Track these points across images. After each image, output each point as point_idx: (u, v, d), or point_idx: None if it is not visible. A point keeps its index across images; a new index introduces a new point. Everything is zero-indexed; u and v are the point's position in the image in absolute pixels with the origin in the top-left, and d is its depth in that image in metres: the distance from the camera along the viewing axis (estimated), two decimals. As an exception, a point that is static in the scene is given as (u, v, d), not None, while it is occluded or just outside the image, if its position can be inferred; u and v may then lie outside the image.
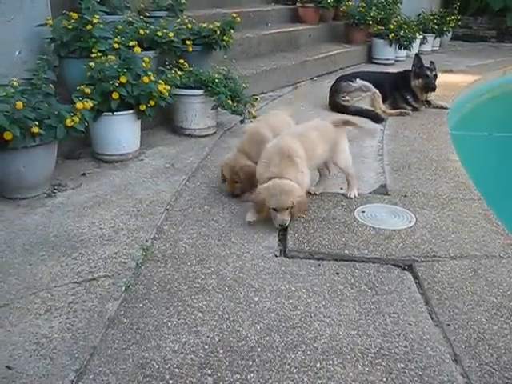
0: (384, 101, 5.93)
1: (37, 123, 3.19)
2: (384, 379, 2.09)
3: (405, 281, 2.75)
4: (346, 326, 2.38)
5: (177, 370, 2.09)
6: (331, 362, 2.17)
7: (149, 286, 2.61)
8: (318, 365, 2.15)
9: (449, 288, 2.66)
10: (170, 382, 2.02)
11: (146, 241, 2.98)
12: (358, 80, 5.91)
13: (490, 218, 3.39)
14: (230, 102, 4.45)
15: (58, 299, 2.48)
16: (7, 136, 3.07)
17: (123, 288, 2.56)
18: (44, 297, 2.49)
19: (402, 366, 2.17)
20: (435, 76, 5.95)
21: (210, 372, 2.08)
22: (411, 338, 2.32)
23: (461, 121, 6.43)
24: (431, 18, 10.14)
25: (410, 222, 3.30)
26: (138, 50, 4.04)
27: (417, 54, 6.10)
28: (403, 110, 5.86)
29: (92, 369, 2.09)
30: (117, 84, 3.74)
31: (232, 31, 5.32)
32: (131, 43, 4.11)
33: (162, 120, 4.89)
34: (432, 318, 2.47)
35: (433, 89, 5.96)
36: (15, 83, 3.31)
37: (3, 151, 3.19)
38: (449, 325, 2.41)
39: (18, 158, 3.27)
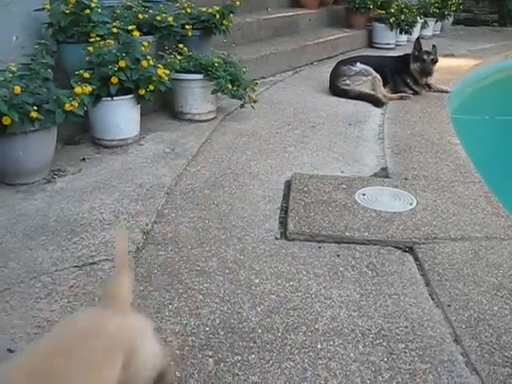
0: (385, 85, 5.90)
1: (35, 108, 3.17)
2: (385, 359, 2.10)
3: (405, 262, 2.74)
4: (346, 307, 2.39)
5: (177, 351, 2.09)
6: (332, 342, 2.17)
7: (149, 269, 2.61)
8: (319, 345, 2.15)
9: (449, 269, 2.66)
10: (171, 363, 2.02)
11: (147, 225, 2.98)
12: (358, 64, 5.88)
13: (490, 200, 3.38)
14: (229, 86, 4.43)
15: (59, 283, 2.47)
16: (6, 121, 3.06)
17: (124, 271, 2.56)
18: (45, 281, 2.49)
19: (403, 346, 2.17)
20: (433, 60, 5.89)
21: (210, 353, 2.09)
22: (412, 319, 2.32)
23: (462, 105, 6.39)
24: (432, 1, 10.05)
25: (410, 204, 3.29)
26: (136, 33, 4.01)
27: (418, 38, 6.06)
28: (404, 94, 5.83)
29: (93, 351, 2.09)
30: (116, 68, 3.72)
31: (232, 15, 5.28)
32: (130, 27, 4.08)
33: (162, 105, 4.87)
34: (433, 299, 2.47)
35: (429, 73, 5.93)
36: (13, 68, 3.29)
37: (2, 137, 3.18)
38: (449, 305, 2.41)
39: (17, 144, 3.25)
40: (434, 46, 6.02)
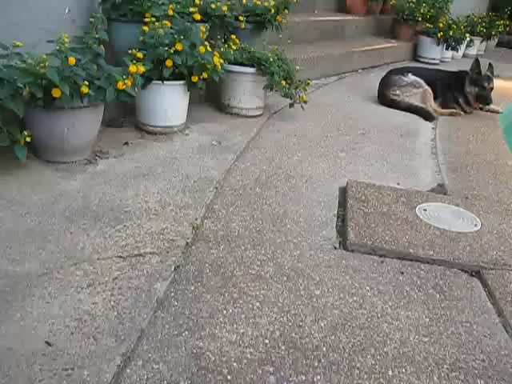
0: (434, 99, 5.66)
1: (86, 83, 2.96)
2: (464, 396, 1.87)
3: (474, 288, 2.51)
4: (416, 331, 2.16)
5: (235, 364, 1.87)
6: (404, 370, 1.95)
7: (200, 268, 2.39)
8: (390, 372, 1.92)
9: (523, 300, 2.43)
10: (228, 377, 1.80)
11: (196, 219, 2.76)
12: (410, 75, 5.64)
13: (558, 229, 3.14)
14: (283, 82, 4.21)
15: (102, 273, 2.26)
16: (56, 93, 2.86)
17: (172, 267, 2.34)
18: (86, 269, 2.28)
19: (482, 382, 1.94)
20: (491, 88, 5.64)
21: (271, 370, 1.86)
22: (488, 352, 2.10)
23: (510, 127, 6.14)
24: (480, 20, 9.81)
25: (475, 225, 3.06)
26: (197, 16, 3.82)
27: (476, 59, 5.75)
28: (454, 111, 5.59)
29: (140, 354, 1.87)
30: (172, 51, 3.51)
31: (287, 11, 5.07)
32: (192, 9, 3.87)
33: (207, 97, 4.68)
34: (507, 332, 2.24)
35: (487, 103, 5.67)
36: (66, 39, 3.09)
37: (49, 110, 2.98)
38: (527, 341, 2.18)
39: (64, 119, 3.06)
40: (490, 64, 5.76)
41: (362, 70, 7.32)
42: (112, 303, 2.09)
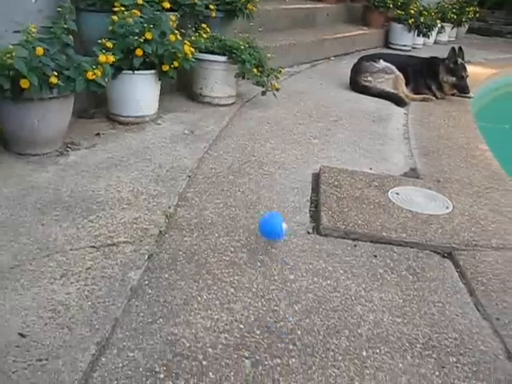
0: (406, 85, 5.70)
1: (55, 73, 2.93)
2: (436, 373, 1.90)
3: (446, 269, 2.56)
4: (389, 312, 2.19)
5: (210, 349, 1.87)
6: (378, 350, 1.97)
7: (174, 255, 2.38)
8: (364, 353, 1.95)
9: (494, 280, 2.48)
10: (204, 362, 1.81)
11: (169, 207, 2.75)
12: (381, 61, 5.67)
13: (529, 210, 3.20)
14: (255, 70, 4.21)
15: (75, 264, 2.24)
16: (24, 84, 2.82)
17: (146, 256, 2.34)
18: (59, 260, 2.26)
19: (454, 360, 1.98)
20: (467, 76, 5.70)
21: (247, 354, 1.87)
22: (460, 330, 2.13)
23: (481, 112, 6.21)
24: (450, 7, 9.88)
25: (447, 208, 3.10)
26: (166, 5, 3.78)
27: (453, 48, 5.78)
28: (426, 96, 5.63)
29: (115, 343, 1.87)
30: (141, 40, 3.48)
31: (257, -1, 5.07)
32: (160, -3, 3.85)
33: (179, 86, 4.65)
34: (479, 311, 2.28)
35: (465, 92, 5.73)
36: (33, 29, 3.04)
37: (18, 102, 2.94)
38: (498, 319, 2.23)
39: (33, 111, 3.01)
40: (460, 48, 5.80)
41: (334, 58, 7.34)
42: (86, 293, 2.08)
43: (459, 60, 5.69)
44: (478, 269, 2.55)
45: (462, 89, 5.73)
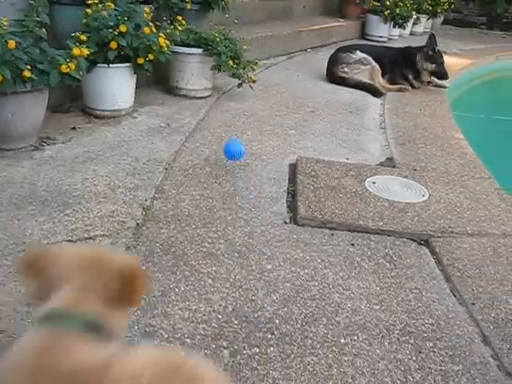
0: (382, 75, 5.73)
1: (29, 67, 2.90)
2: (413, 358, 1.93)
3: (423, 256, 2.58)
4: (367, 299, 2.20)
5: (188, 340, 1.88)
6: (356, 337, 1.99)
7: (151, 247, 2.38)
8: (343, 340, 1.96)
9: (469, 266, 2.51)
10: (182, 353, 1.80)
11: (146, 200, 2.74)
12: (358, 52, 5.69)
13: (503, 196, 3.26)
14: (231, 62, 4.20)
15: (51, 257, 2.22)
16: (-4, 78, 2.79)
17: (123, 249, 2.33)
18: (35, 254, 2.24)
19: (431, 345, 2.00)
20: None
21: (225, 344, 1.88)
22: (437, 316, 2.16)
23: (457, 102, 6.27)
24: (425, -2, 9.94)
25: (423, 196, 3.13)
26: (140, -4, 3.77)
27: (432, 34, 5.83)
28: (402, 86, 5.66)
29: (93, 335, 1.86)
30: (116, 33, 3.46)
31: (232, -10, 5.05)
32: (133, -12, 3.82)
33: (155, 79, 4.62)
34: (455, 296, 2.32)
35: (445, 78, 5.79)
36: (5, 22, 3.01)
37: (-10, 96, 2.91)
38: (474, 304, 2.26)
39: (7, 105, 2.99)
40: (433, 35, 5.85)
41: (311, 50, 7.34)
42: (62, 287, 2.06)
43: (437, 47, 5.74)
44: (453, 255, 2.59)
45: (441, 75, 5.78)
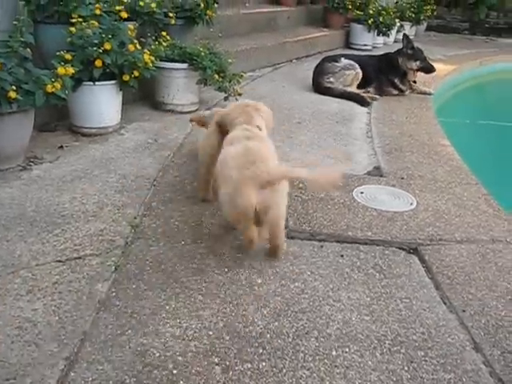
0: (369, 84, 5.78)
1: (14, 88, 2.90)
2: (405, 368, 1.93)
3: (412, 264, 2.59)
4: (358, 311, 2.21)
5: (180, 357, 1.88)
6: (347, 349, 1.99)
7: (141, 265, 2.38)
8: (334, 352, 1.97)
9: (459, 273, 2.53)
10: (174, 371, 1.81)
11: (135, 217, 2.75)
12: (342, 59, 5.74)
13: (490, 202, 3.29)
14: (216, 76, 4.22)
15: (41, 279, 2.23)
16: (-19, 100, 2.79)
17: (113, 267, 2.33)
18: (25, 276, 2.24)
19: (422, 354, 2.01)
20: None
21: (217, 360, 1.88)
22: (427, 325, 2.17)
23: (442, 108, 6.31)
24: (408, 6, 10.02)
25: (411, 204, 3.15)
26: (124, 14, 3.78)
27: (405, 35, 5.95)
28: (375, 96, 5.69)
29: (84, 356, 1.86)
30: (100, 51, 3.47)
31: (216, 5, 5.08)
32: (117, 7, 3.83)
33: (142, 95, 4.63)
34: (445, 304, 2.33)
35: (432, 71, 5.93)
36: (-12, 44, 3.02)
37: (-24, 117, 2.91)
38: (464, 311, 2.27)
39: (-8, 126, 2.99)
40: (405, 35, 5.95)
41: (297, 60, 7.40)
42: (53, 308, 2.07)
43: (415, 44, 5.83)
44: (443, 263, 2.60)
45: (428, 70, 5.88)
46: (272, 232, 2.38)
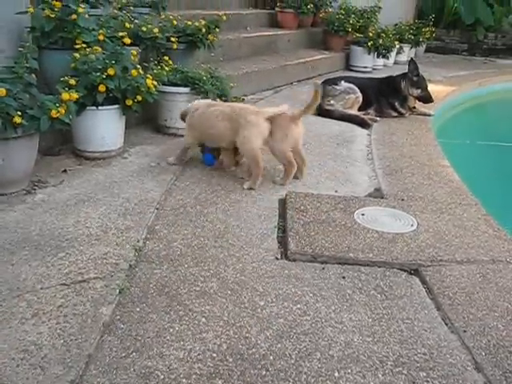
0: (369, 106, 5.83)
1: (19, 113, 2.95)
2: (408, 389, 1.94)
3: (413, 285, 2.61)
4: (359, 332, 2.23)
5: (184, 380, 1.90)
6: (350, 370, 2.01)
7: (145, 288, 2.40)
8: (337, 374, 1.98)
9: (460, 293, 2.54)
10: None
11: (138, 241, 2.78)
12: (342, 82, 5.80)
13: (490, 222, 3.30)
14: (218, 100, 4.27)
15: (46, 302, 2.25)
16: (-13, 125, 2.84)
17: (117, 291, 2.36)
18: (30, 300, 2.27)
19: (424, 374, 2.02)
20: None
21: (220, 382, 1.90)
22: (429, 345, 2.18)
23: (442, 129, 6.38)
24: (407, 28, 10.13)
25: (412, 225, 3.17)
26: (127, 40, 3.84)
27: (412, 59, 5.98)
28: (375, 118, 5.73)
29: (89, 379, 1.88)
30: (104, 76, 3.53)
31: (217, 30, 5.16)
32: (121, 33, 3.90)
33: (144, 119, 4.69)
34: (446, 324, 2.34)
35: (430, 101, 5.94)
36: (-6, 70, 3.07)
37: (-19, 143, 2.95)
38: (465, 331, 2.28)
39: (-2, 151, 3.04)
40: (412, 60, 5.99)
41: (297, 83, 7.46)
42: (58, 331, 2.09)
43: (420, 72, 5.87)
44: (444, 283, 2.62)
45: (426, 100, 5.92)
46: None
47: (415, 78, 5.82)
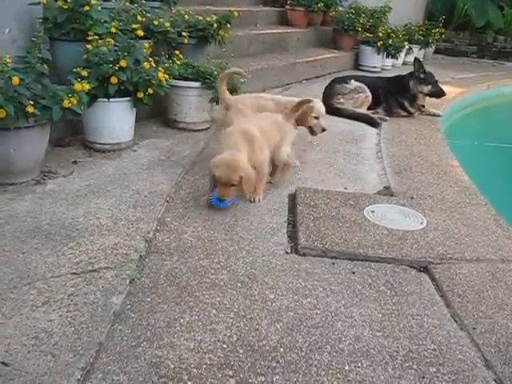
0: (378, 105, 5.83)
1: (31, 102, 2.96)
2: (417, 383, 1.94)
3: (423, 282, 2.61)
4: (369, 326, 2.23)
5: (195, 370, 1.90)
6: (360, 364, 2.01)
7: (155, 279, 2.41)
8: (347, 367, 1.98)
9: (469, 291, 2.54)
10: (189, 383, 1.83)
11: (148, 232, 2.78)
12: (353, 81, 5.80)
13: (499, 222, 3.30)
14: (229, 95, 4.26)
15: (57, 291, 2.25)
16: (0, 114, 2.84)
17: (127, 281, 2.36)
18: (40, 288, 2.27)
19: (434, 370, 2.02)
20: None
21: (231, 373, 1.90)
22: (438, 342, 2.18)
23: (451, 129, 6.37)
24: (417, 29, 10.12)
25: (421, 223, 3.17)
26: (140, 33, 3.84)
27: (416, 59, 6.00)
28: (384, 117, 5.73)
29: (100, 367, 1.88)
30: (116, 68, 3.53)
31: (229, 25, 5.16)
32: (134, 26, 3.90)
33: (154, 112, 4.69)
34: (456, 321, 2.34)
35: (442, 95, 5.95)
36: (8, 60, 3.07)
37: (-6, 131, 2.96)
38: (474, 328, 2.28)
39: (9, 140, 3.04)
40: (416, 59, 5.99)
41: (306, 81, 7.46)
42: (69, 319, 2.09)
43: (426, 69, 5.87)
44: (453, 281, 2.61)
45: (438, 94, 5.91)
46: None
47: (422, 75, 5.82)
